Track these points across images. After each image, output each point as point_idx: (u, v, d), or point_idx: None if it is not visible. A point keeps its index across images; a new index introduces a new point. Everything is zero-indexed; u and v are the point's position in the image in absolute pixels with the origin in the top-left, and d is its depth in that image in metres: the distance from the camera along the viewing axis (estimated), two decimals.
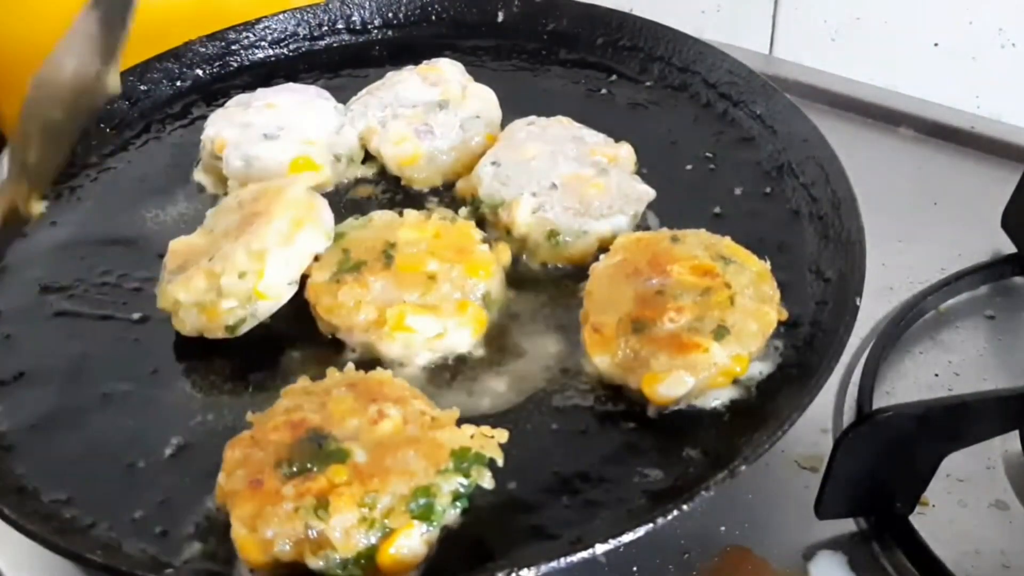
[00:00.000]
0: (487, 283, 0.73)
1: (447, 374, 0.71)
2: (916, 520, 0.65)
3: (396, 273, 0.72)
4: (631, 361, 0.66)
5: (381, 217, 0.77)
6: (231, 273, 0.71)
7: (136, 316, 0.77)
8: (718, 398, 0.67)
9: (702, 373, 0.65)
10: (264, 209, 0.74)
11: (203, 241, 0.75)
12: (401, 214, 0.77)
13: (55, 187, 0.90)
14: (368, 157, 0.90)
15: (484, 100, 0.91)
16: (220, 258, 0.72)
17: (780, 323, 0.69)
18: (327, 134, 0.88)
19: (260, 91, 0.92)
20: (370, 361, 0.71)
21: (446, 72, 0.93)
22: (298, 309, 0.74)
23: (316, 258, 0.74)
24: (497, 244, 0.76)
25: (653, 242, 0.73)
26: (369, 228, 0.76)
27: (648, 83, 0.98)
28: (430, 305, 0.70)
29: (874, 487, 0.64)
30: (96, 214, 0.86)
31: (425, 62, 0.95)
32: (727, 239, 0.73)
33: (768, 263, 0.72)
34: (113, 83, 0.70)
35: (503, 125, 0.89)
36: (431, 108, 0.89)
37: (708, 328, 0.66)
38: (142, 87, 0.99)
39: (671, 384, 0.65)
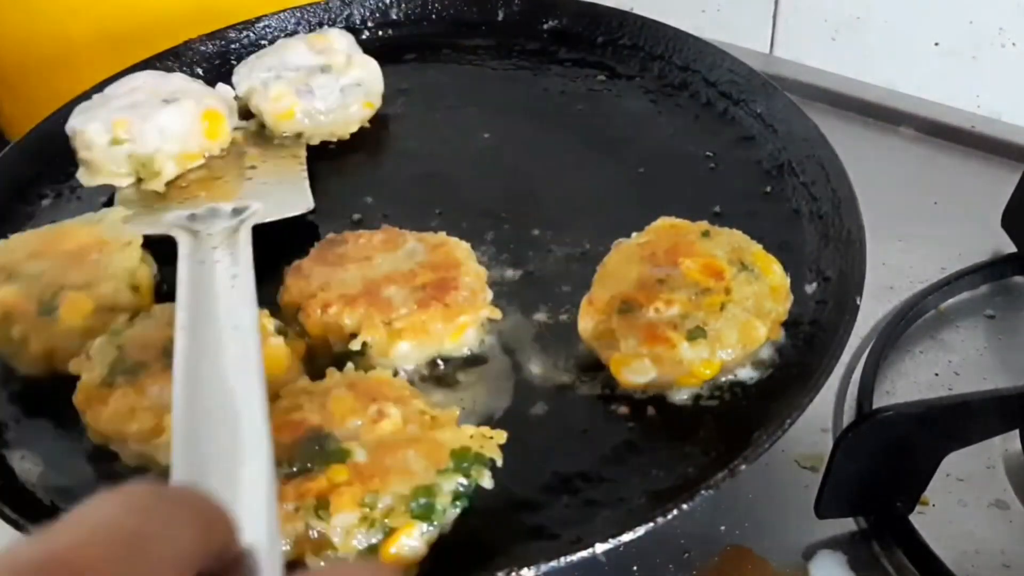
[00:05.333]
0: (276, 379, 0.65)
1: None
2: (916, 519, 0.65)
3: None
4: (607, 337, 0.67)
5: (163, 311, 0.69)
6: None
7: None
8: (714, 396, 0.67)
9: (666, 367, 0.65)
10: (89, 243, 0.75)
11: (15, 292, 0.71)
12: None
13: (55, 185, 0.90)
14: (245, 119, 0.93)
15: (367, 70, 0.93)
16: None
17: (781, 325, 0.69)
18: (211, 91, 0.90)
19: (108, 88, 0.90)
20: None
21: (334, 41, 0.94)
22: None
23: (88, 356, 0.67)
24: (294, 337, 0.70)
25: (683, 231, 0.73)
26: (149, 323, 0.69)
27: (648, 81, 0.98)
28: None
29: (874, 486, 0.65)
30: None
31: (315, 32, 0.97)
32: (758, 246, 0.72)
33: (789, 280, 0.71)
34: None
35: (504, 124, 0.89)
36: (313, 72, 0.91)
37: (686, 326, 0.66)
38: None
39: (635, 370, 0.65)
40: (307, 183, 0.84)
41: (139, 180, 0.85)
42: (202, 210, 0.78)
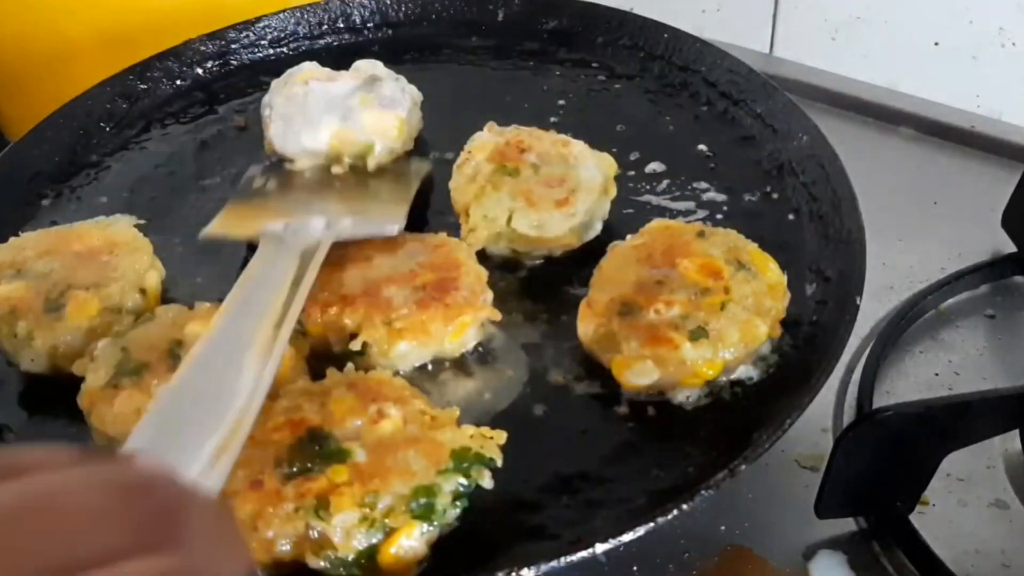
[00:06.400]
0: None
1: None
2: (916, 519, 0.65)
3: None
4: (608, 340, 0.67)
5: (166, 312, 0.70)
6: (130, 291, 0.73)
7: None
8: (714, 396, 0.67)
9: (669, 368, 0.65)
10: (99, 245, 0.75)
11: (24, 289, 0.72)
12: (192, 307, 0.71)
13: (55, 186, 0.90)
14: None
15: (379, 67, 0.91)
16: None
17: (780, 323, 0.69)
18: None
19: None
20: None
21: (317, 70, 0.90)
22: None
23: (93, 358, 0.67)
24: (298, 337, 0.70)
25: (679, 232, 0.73)
26: (153, 324, 0.69)
27: (648, 82, 0.98)
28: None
29: (874, 486, 0.64)
30: (95, 214, 0.86)
31: (288, 73, 0.91)
32: (754, 245, 0.72)
33: (786, 278, 0.71)
34: None
35: (504, 124, 0.89)
36: (367, 87, 0.88)
37: (688, 327, 0.66)
38: (142, 86, 0.99)
39: (638, 372, 0.65)
40: (407, 206, 0.80)
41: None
42: (297, 223, 0.76)
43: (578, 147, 0.82)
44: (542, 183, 0.78)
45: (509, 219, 0.76)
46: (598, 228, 0.79)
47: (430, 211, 0.84)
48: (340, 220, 0.76)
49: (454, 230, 0.78)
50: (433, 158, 0.89)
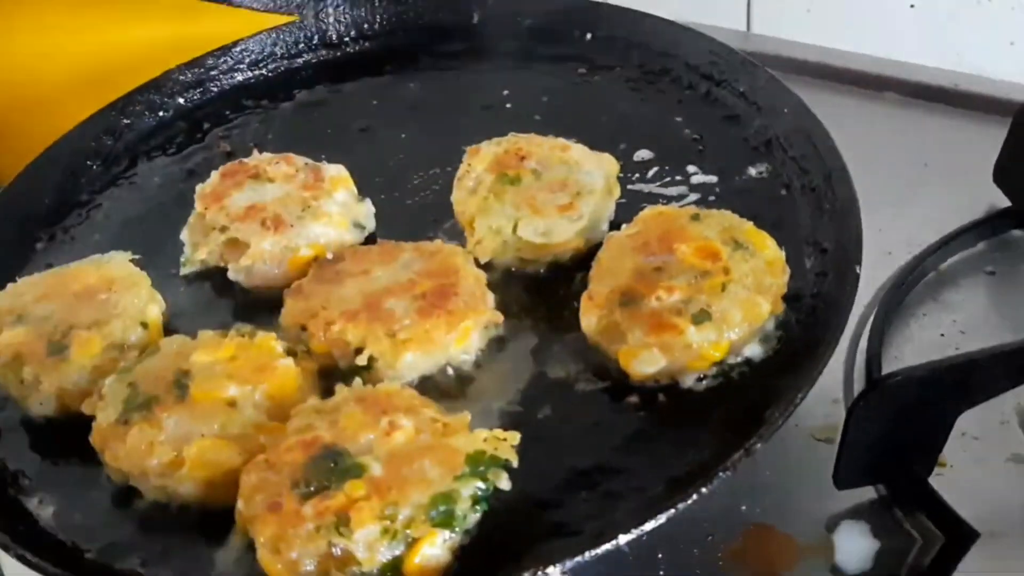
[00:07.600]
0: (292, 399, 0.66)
1: None
2: (935, 481, 0.65)
3: (191, 404, 0.64)
4: (612, 331, 0.67)
5: (170, 343, 0.70)
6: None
7: None
8: (723, 377, 0.67)
9: (676, 354, 0.65)
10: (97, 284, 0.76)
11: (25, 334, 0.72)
12: (195, 336, 0.71)
13: (48, 228, 0.90)
14: None
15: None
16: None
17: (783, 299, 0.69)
18: None
19: None
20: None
21: None
22: None
23: (101, 396, 0.67)
24: (304, 357, 0.70)
25: (672, 218, 0.73)
26: (158, 357, 0.69)
27: (629, 70, 0.98)
28: (233, 436, 0.63)
29: (890, 452, 0.64)
30: (90, 252, 0.86)
31: None
32: (749, 223, 0.72)
33: (784, 253, 0.71)
34: None
35: (490, 125, 0.89)
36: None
37: (691, 311, 0.66)
38: (125, 121, 0.99)
39: (645, 360, 0.66)
40: None
41: None
42: None
43: (577, 150, 0.81)
44: (545, 189, 0.77)
45: (514, 228, 0.76)
46: (604, 229, 0.78)
47: (431, 224, 0.84)
48: None
49: (451, 237, 0.78)
50: (425, 168, 0.89)
